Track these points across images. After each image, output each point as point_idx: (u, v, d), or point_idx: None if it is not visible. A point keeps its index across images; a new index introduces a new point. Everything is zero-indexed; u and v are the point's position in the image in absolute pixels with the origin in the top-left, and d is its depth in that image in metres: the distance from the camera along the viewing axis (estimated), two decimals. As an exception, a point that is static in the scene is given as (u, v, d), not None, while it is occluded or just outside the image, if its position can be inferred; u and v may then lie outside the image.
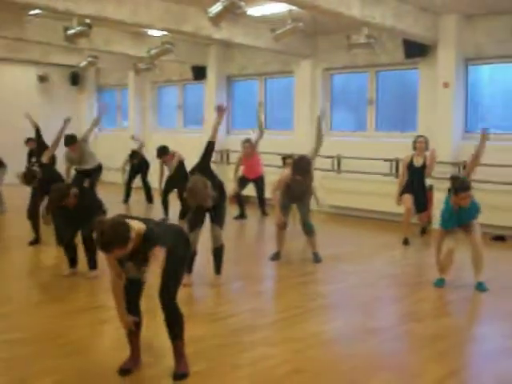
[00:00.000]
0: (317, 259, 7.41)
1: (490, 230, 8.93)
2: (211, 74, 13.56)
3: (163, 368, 4.03)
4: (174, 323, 3.97)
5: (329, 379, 3.92)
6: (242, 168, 10.67)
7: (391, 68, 11.05)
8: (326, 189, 11.36)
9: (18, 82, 16.26)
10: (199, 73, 13.79)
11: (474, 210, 6.10)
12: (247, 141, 10.44)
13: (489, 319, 5.42)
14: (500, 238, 8.92)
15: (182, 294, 5.86)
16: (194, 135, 13.61)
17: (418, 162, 8.46)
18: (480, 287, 6.16)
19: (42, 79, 16.50)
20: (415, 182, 8.49)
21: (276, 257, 7.43)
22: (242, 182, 10.63)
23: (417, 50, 10.10)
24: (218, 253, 6.33)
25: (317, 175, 10.63)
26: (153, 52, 11.18)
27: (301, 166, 6.93)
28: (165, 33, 10.72)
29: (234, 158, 12.52)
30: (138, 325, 4.05)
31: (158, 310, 3.96)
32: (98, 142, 16.26)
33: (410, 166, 8.50)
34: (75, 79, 17.35)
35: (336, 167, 11.35)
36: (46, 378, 3.88)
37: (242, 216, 10.63)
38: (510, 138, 9.52)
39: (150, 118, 15.88)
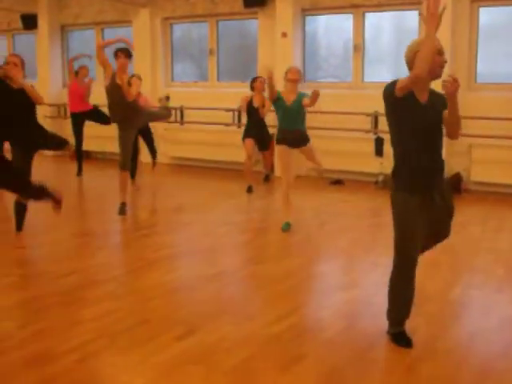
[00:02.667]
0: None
1: (328, 175, 9.31)
2: (43, 23, 12.69)
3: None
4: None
5: (173, 327, 3.88)
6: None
7: (231, 17, 10.99)
8: (169, 140, 11.23)
9: None
10: (29, 22, 12.79)
11: (300, 108, 6.30)
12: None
13: (327, 257, 5.67)
14: (338, 182, 9.35)
15: (18, 255, 5.61)
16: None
17: (256, 103, 8.58)
18: (285, 227, 6.41)
19: None
20: (255, 122, 8.61)
21: (123, 210, 7.14)
22: (76, 119, 9.97)
23: (255, 0, 10.10)
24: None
25: (159, 126, 10.53)
26: (-27, -3, 10.24)
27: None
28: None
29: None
30: None
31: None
32: None
33: (250, 107, 8.61)
34: None
35: (179, 118, 11.23)
36: None
37: (79, 172, 9.92)
38: (345, 86, 9.91)
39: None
